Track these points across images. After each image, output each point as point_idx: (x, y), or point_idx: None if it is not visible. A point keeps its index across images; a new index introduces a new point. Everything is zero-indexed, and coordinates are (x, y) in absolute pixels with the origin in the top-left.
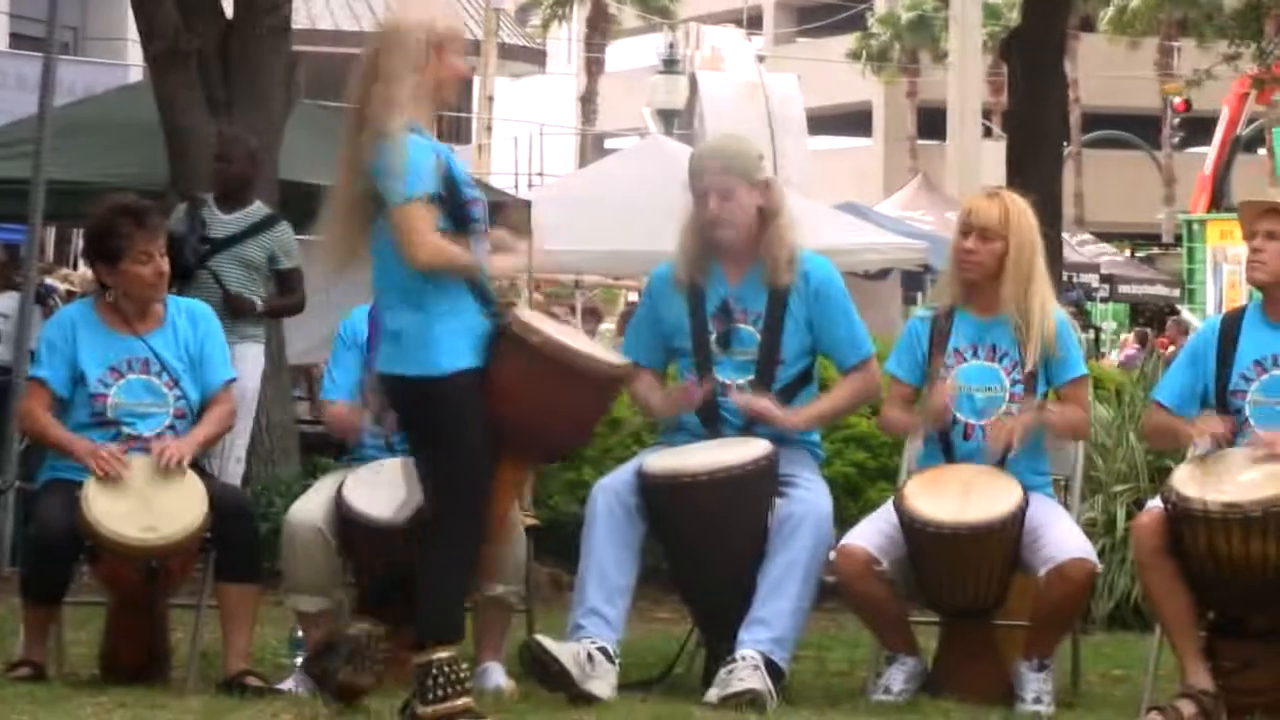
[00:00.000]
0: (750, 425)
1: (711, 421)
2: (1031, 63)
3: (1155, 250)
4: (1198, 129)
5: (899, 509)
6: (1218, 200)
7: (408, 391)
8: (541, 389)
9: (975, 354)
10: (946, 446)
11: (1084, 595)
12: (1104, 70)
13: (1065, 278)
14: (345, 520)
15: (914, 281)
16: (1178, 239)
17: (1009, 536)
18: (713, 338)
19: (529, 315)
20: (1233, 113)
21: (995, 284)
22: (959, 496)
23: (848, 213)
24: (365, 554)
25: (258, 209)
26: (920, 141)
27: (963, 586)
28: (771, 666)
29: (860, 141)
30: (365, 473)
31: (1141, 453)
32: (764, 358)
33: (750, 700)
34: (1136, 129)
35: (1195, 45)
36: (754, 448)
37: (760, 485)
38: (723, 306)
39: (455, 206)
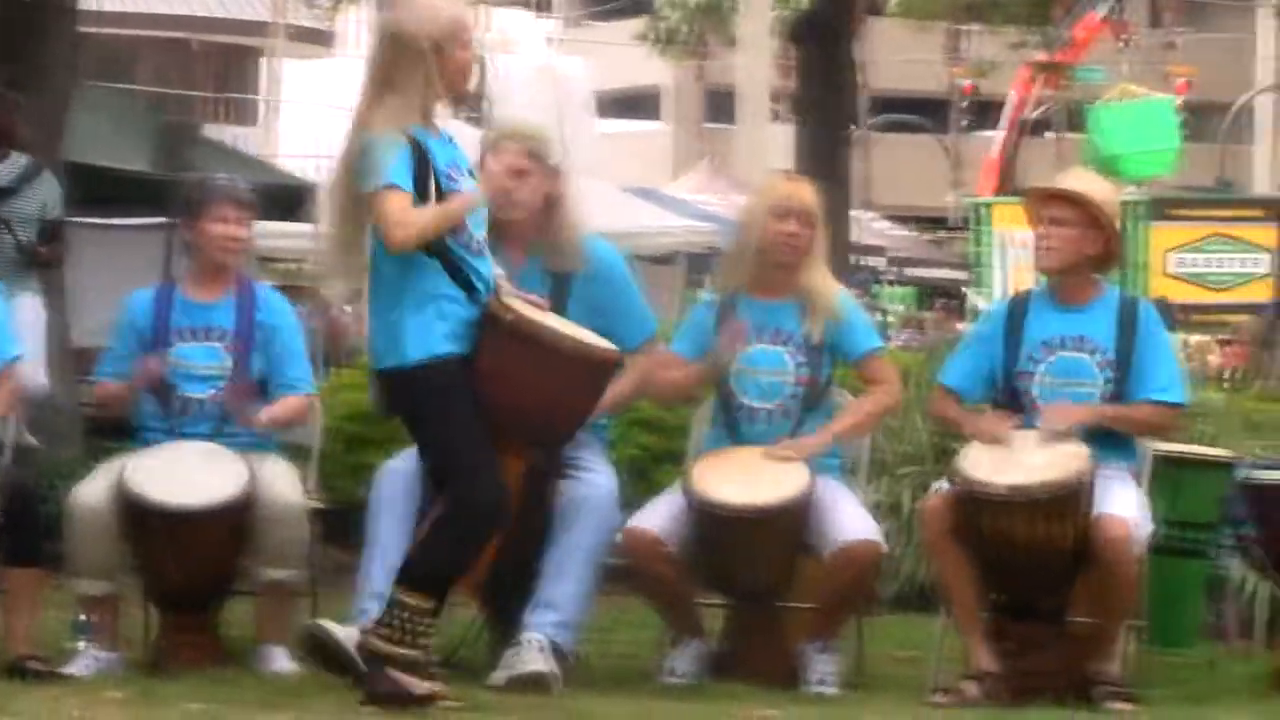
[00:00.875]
0: None
1: None
2: (820, 47)
3: (943, 233)
4: (985, 113)
5: (687, 491)
6: (1005, 184)
7: (384, 385)
8: (521, 371)
9: (760, 337)
10: (733, 429)
11: (870, 577)
12: (892, 54)
13: (853, 260)
14: (128, 504)
15: (700, 264)
16: (965, 222)
17: (796, 519)
18: None
19: (516, 302)
20: (1020, 97)
21: (791, 267)
22: (747, 479)
23: (637, 196)
24: (148, 538)
25: (20, 158)
26: (709, 125)
27: (750, 568)
28: (557, 649)
29: (649, 124)
30: (148, 456)
31: (928, 434)
32: None
33: (536, 682)
34: (925, 113)
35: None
36: None
37: (542, 469)
38: None
39: (440, 197)
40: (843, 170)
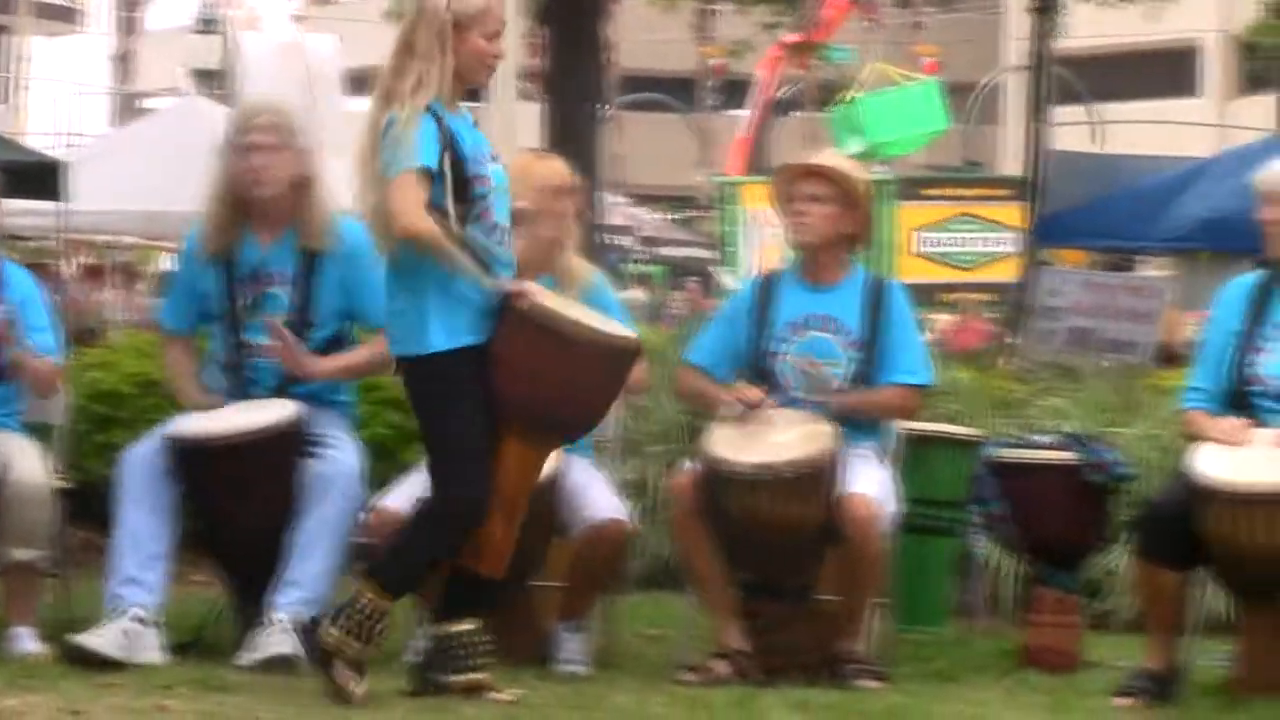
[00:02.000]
0: (283, 387)
1: (241, 383)
2: (569, 25)
3: (692, 212)
4: (734, 92)
5: None
6: (753, 163)
7: (403, 370)
8: (547, 364)
9: None
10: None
11: (619, 556)
12: (642, 33)
13: (603, 240)
14: None
15: None
16: (714, 201)
17: (545, 499)
18: (243, 303)
19: (527, 286)
20: (769, 76)
21: (547, 245)
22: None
23: None
24: None
25: None
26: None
27: None
28: (303, 628)
29: None
30: None
31: (677, 413)
32: (295, 320)
33: (282, 664)
34: (674, 92)
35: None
36: (281, 410)
37: (286, 447)
38: (254, 271)
39: (459, 183)
40: (592, 149)
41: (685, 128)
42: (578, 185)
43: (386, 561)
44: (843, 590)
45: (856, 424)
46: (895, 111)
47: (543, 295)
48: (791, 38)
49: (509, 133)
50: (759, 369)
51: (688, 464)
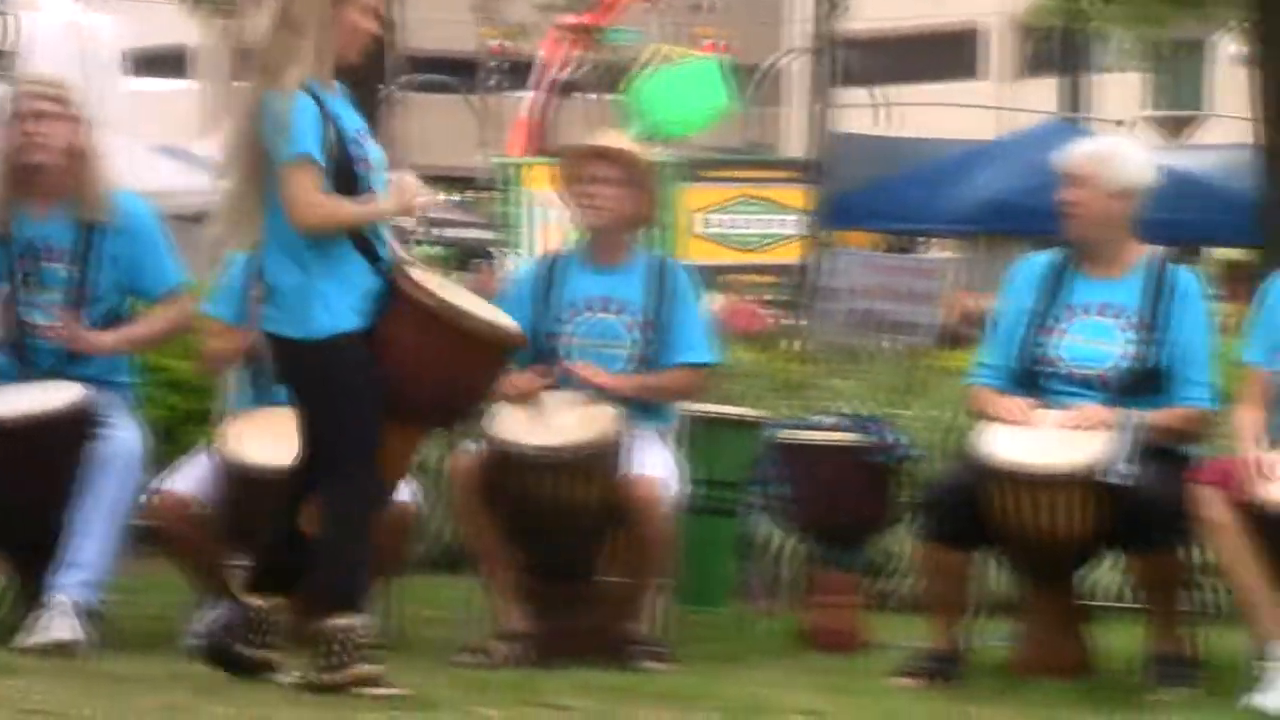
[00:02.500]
0: (63, 368)
1: (25, 363)
2: None
3: (471, 193)
4: (516, 73)
5: (214, 453)
6: (536, 145)
7: (287, 353)
8: (431, 351)
9: None
10: (263, 391)
11: (402, 537)
12: (424, 14)
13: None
14: None
15: None
16: (495, 182)
17: None
18: (20, 278)
19: (419, 274)
20: (550, 57)
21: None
22: (276, 440)
23: (165, 154)
24: None
25: None
26: (239, 84)
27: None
28: (84, 610)
29: (179, 83)
30: None
31: None
32: (74, 295)
33: (60, 647)
34: (456, 73)
35: None
36: (68, 393)
37: (73, 430)
38: (30, 245)
39: (341, 166)
40: (374, 130)
41: (468, 109)
42: None
43: (322, 588)
44: (626, 572)
45: (640, 406)
46: (675, 89)
47: (431, 281)
48: (571, 20)
49: None
50: (543, 351)
51: (471, 446)
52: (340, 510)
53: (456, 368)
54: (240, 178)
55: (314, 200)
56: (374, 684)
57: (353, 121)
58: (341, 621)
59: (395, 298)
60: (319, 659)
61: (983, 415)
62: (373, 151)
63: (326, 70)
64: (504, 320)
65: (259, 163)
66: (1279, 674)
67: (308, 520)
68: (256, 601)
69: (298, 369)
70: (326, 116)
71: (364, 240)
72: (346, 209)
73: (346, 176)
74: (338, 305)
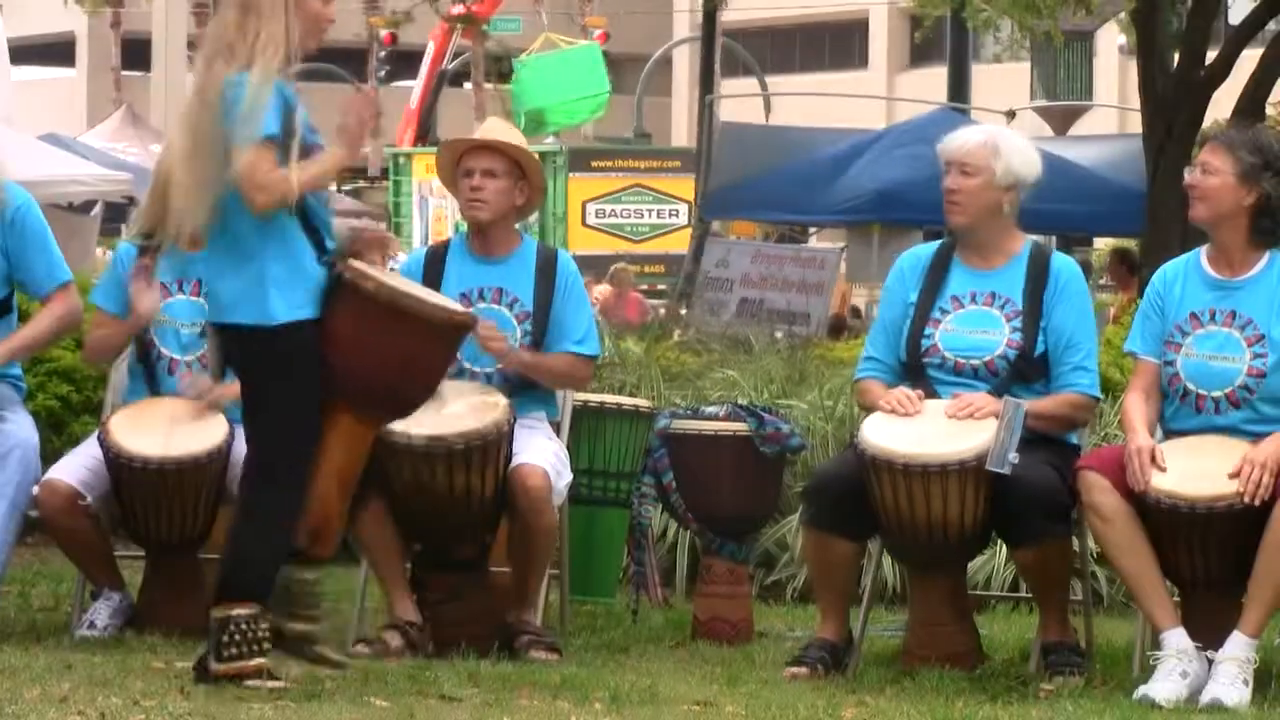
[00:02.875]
0: None
1: None
2: None
3: (362, 183)
4: (404, 63)
5: (104, 443)
6: (424, 134)
7: (239, 341)
8: (379, 338)
9: (181, 289)
10: (153, 381)
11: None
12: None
13: None
14: None
15: (118, 213)
16: (384, 172)
17: (214, 469)
18: None
19: (362, 264)
20: (438, 47)
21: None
22: (164, 430)
23: (51, 144)
24: None
25: None
26: (125, 73)
27: (169, 520)
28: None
29: (63, 72)
30: None
31: None
32: None
33: None
34: (344, 62)
35: None
36: None
37: None
38: None
39: (302, 155)
40: None
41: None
42: None
43: (226, 574)
44: (515, 561)
45: (528, 395)
46: (554, 75)
47: (378, 270)
48: (457, 9)
49: (177, 103)
50: None
51: None
52: (268, 503)
53: (408, 353)
54: (195, 160)
55: (268, 181)
56: (269, 676)
57: (303, 114)
58: (243, 611)
59: (342, 287)
60: (216, 647)
61: (870, 409)
62: (324, 143)
63: (286, 58)
64: (456, 306)
65: (215, 146)
66: (1169, 664)
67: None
68: (232, 611)
69: (253, 356)
70: (288, 104)
71: (313, 229)
72: (295, 176)
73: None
74: (292, 294)
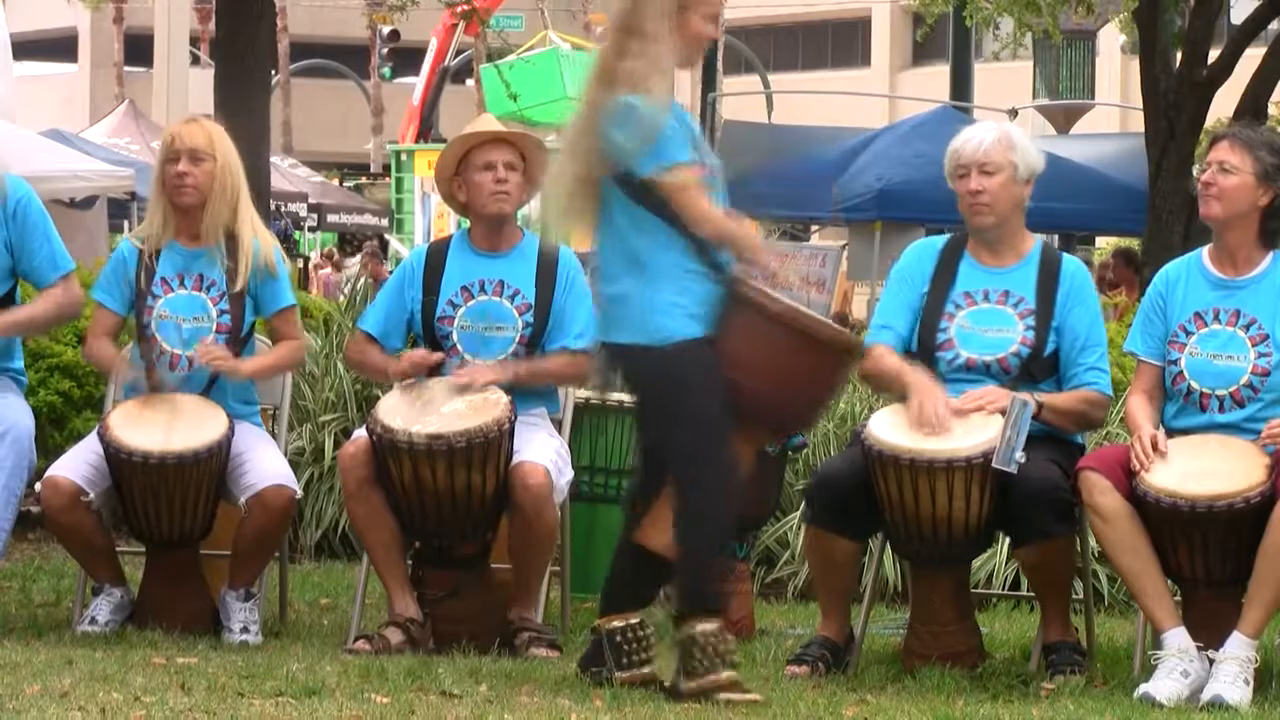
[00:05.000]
0: None
1: None
2: None
3: (364, 179)
4: (406, 60)
5: (104, 439)
6: (426, 131)
7: (630, 359)
8: (777, 357)
9: (183, 283)
10: (152, 377)
11: (284, 522)
12: (315, 1)
13: (274, 206)
14: None
15: (120, 209)
16: (386, 169)
17: (214, 465)
18: None
19: (759, 280)
20: (441, 44)
21: (202, 211)
22: (164, 426)
23: (54, 139)
24: None
25: None
26: (128, 68)
27: (169, 515)
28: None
29: (66, 67)
30: None
31: (350, 382)
32: None
33: None
34: (345, 59)
35: None
36: None
37: None
38: None
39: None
40: (262, 115)
41: (358, 94)
42: (204, 145)
43: (681, 592)
44: (516, 558)
45: (529, 392)
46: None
47: (769, 287)
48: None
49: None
50: (430, 335)
51: (359, 433)
52: (693, 511)
53: (800, 371)
54: (575, 177)
55: (707, 207)
56: (736, 689)
57: (694, 126)
58: (706, 627)
59: (736, 304)
60: (686, 665)
61: (878, 378)
62: (710, 159)
63: (670, 76)
64: (845, 331)
65: (597, 160)
66: (1169, 663)
67: (648, 534)
68: (618, 623)
69: (640, 374)
70: (689, 129)
71: (706, 250)
72: (736, 228)
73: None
74: (678, 312)
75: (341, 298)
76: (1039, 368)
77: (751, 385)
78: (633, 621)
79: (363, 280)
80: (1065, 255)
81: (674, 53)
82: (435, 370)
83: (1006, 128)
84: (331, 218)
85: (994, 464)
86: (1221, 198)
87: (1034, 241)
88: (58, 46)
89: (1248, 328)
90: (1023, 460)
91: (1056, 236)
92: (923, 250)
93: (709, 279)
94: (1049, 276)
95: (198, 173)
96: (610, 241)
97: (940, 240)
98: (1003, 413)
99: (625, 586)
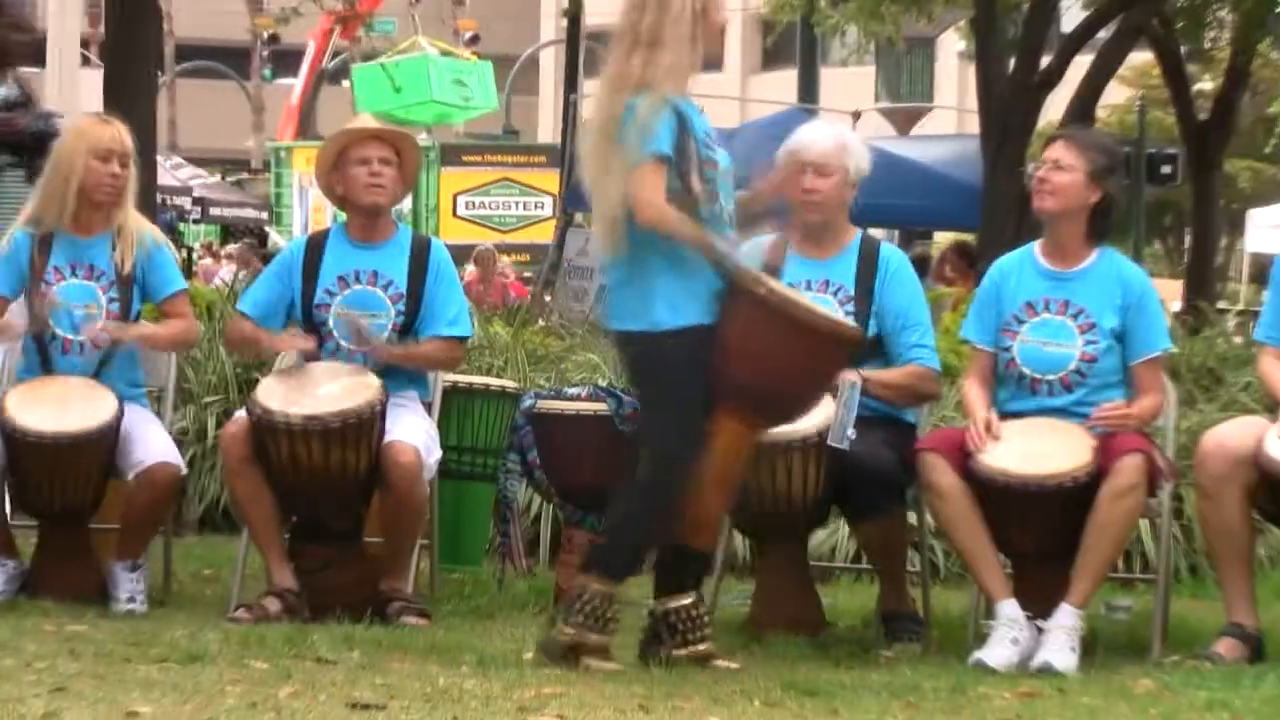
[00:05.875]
0: None
1: None
2: None
3: (245, 175)
4: (286, 62)
5: (0, 420)
6: (304, 129)
7: (626, 345)
8: (771, 344)
9: (74, 273)
10: (45, 359)
11: (169, 498)
12: (197, 4)
13: (159, 200)
14: None
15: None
16: (266, 164)
17: (104, 444)
18: None
19: (758, 273)
20: (319, 47)
21: (109, 204)
22: (57, 407)
23: None
24: None
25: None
26: (23, 70)
27: (61, 492)
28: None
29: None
30: None
31: (231, 365)
32: None
33: None
34: (228, 60)
35: None
36: None
37: None
38: None
39: (691, 166)
40: (148, 114)
41: (240, 94)
42: (131, 149)
43: (605, 551)
44: (387, 532)
45: (401, 375)
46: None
47: (770, 280)
48: (339, 9)
49: (72, 97)
50: (309, 321)
51: (240, 414)
52: (645, 492)
53: (799, 361)
54: (601, 186)
55: (655, 200)
56: (599, 654)
57: (703, 126)
58: (597, 584)
59: (737, 296)
60: (570, 607)
61: None
62: (721, 157)
63: (687, 78)
64: (846, 319)
65: (615, 170)
66: (1001, 631)
67: (689, 535)
68: (672, 604)
69: (635, 359)
70: (681, 122)
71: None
72: (677, 222)
73: (696, 176)
74: (679, 301)
75: (219, 283)
76: (868, 349)
77: (753, 375)
78: (685, 603)
79: (240, 273)
80: (884, 244)
81: (697, 52)
82: (311, 357)
83: (842, 132)
84: (214, 211)
85: (829, 442)
86: (1055, 193)
87: (855, 234)
88: None
89: (1076, 316)
90: (853, 437)
91: (896, 232)
92: (752, 249)
93: (711, 270)
94: (868, 265)
95: (124, 175)
96: (623, 236)
97: (768, 237)
98: (833, 394)
99: (672, 575)
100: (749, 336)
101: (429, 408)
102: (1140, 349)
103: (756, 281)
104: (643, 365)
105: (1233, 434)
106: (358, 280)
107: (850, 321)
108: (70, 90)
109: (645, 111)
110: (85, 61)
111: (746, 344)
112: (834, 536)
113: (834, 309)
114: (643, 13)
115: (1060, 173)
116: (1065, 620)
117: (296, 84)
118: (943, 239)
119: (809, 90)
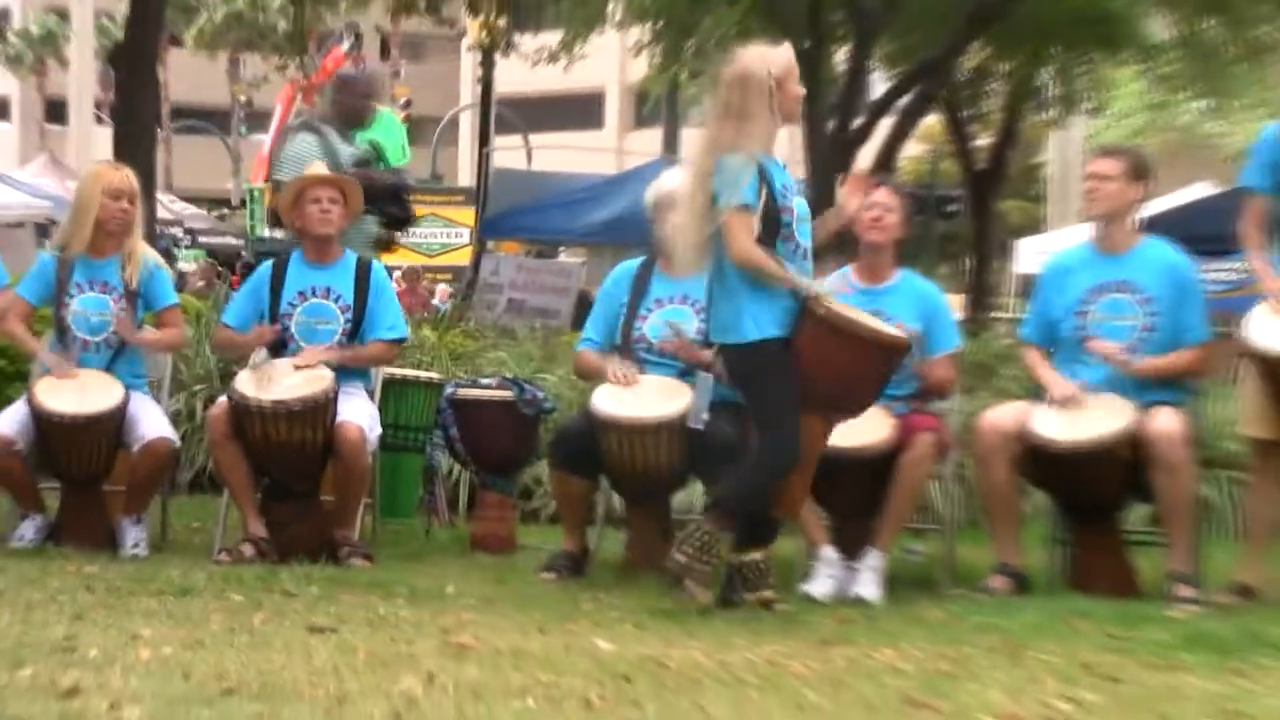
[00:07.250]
0: None
1: None
2: (133, 68)
3: (226, 210)
4: (258, 120)
5: (31, 404)
6: (271, 174)
7: (728, 356)
8: (842, 359)
9: (91, 288)
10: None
11: (167, 465)
12: (188, 74)
13: (158, 230)
14: None
15: (41, 231)
16: (243, 202)
17: (114, 423)
18: None
19: (826, 297)
20: (284, 109)
21: (119, 234)
22: (77, 393)
23: None
24: None
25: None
26: (49, 126)
27: (80, 461)
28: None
29: (2, 125)
30: None
31: (215, 361)
32: None
33: None
34: (213, 119)
35: (258, 56)
36: None
37: None
38: None
39: (770, 214)
40: (149, 162)
41: (222, 147)
42: (137, 189)
43: (726, 500)
44: (339, 492)
45: (350, 372)
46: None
47: (834, 301)
48: (300, 80)
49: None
50: (279, 327)
51: (222, 399)
52: (761, 469)
53: (860, 369)
54: (692, 223)
55: (746, 242)
56: (701, 580)
57: (782, 179)
58: (715, 525)
59: (808, 315)
60: (685, 538)
61: (588, 373)
62: (799, 205)
63: (772, 140)
64: (894, 331)
65: (707, 211)
66: (822, 568)
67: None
68: (746, 559)
69: (734, 365)
70: (763, 177)
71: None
72: (765, 262)
73: (774, 222)
74: (762, 318)
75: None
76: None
77: (823, 379)
78: (757, 558)
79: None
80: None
81: (776, 119)
82: (278, 350)
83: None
84: (202, 239)
85: (688, 423)
86: (876, 226)
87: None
88: None
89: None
90: (706, 419)
91: None
92: (621, 271)
93: (789, 294)
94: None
95: (133, 210)
96: (716, 264)
97: (637, 261)
98: (693, 385)
99: (750, 534)
100: (820, 351)
101: (371, 395)
102: (938, 347)
103: (818, 302)
104: (738, 370)
105: (1003, 415)
106: (314, 294)
107: (896, 331)
108: (86, 143)
109: (735, 168)
110: (99, 120)
111: (818, 356)
112: (690, 495)
113: (691, 318)
114: (731, 91)
115: (887, 212)
116: (873, 561)
117: (266, 138)
118: None
119: (672, 145)
